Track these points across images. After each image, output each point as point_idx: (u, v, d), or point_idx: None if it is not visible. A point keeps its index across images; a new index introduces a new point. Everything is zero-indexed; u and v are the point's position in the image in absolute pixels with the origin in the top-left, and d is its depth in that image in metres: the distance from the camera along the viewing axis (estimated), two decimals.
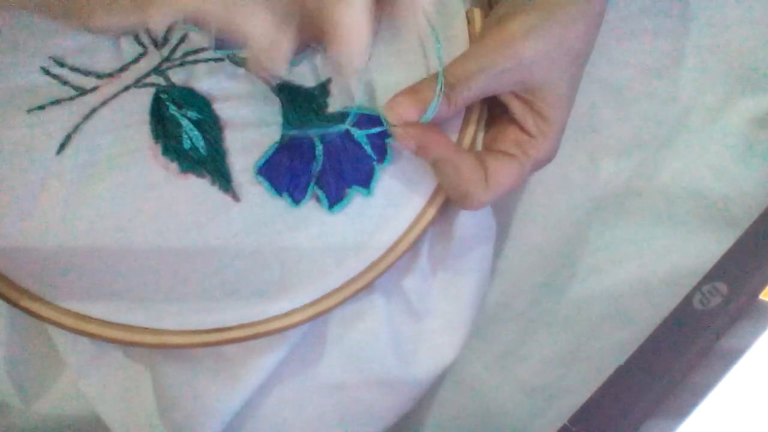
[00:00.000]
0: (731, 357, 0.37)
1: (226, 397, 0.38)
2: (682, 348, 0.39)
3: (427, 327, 0.41)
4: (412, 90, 0.36)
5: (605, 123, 0.44)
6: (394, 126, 0.36)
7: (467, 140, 0.39)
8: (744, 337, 0.37)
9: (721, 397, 0.36)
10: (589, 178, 0.44)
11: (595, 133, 0.44)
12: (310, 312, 0.38)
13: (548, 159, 0.38)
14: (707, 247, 0.42)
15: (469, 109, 0.39)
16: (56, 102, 0.36)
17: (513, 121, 0.38)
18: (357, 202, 0.38)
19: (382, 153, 0.38)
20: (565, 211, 0.44)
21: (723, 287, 0.39)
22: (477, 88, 0.36)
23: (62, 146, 0.36)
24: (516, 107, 0.37)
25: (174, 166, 0.37)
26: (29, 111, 0.36)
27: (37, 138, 0.36)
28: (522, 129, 0.37)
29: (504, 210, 0.44)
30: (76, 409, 0.42)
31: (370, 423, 0.41)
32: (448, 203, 0.40)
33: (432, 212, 0.39)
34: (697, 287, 0.40)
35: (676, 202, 0.44)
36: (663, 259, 0.43)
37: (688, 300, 0.40)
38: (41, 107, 0.36)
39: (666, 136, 0.44)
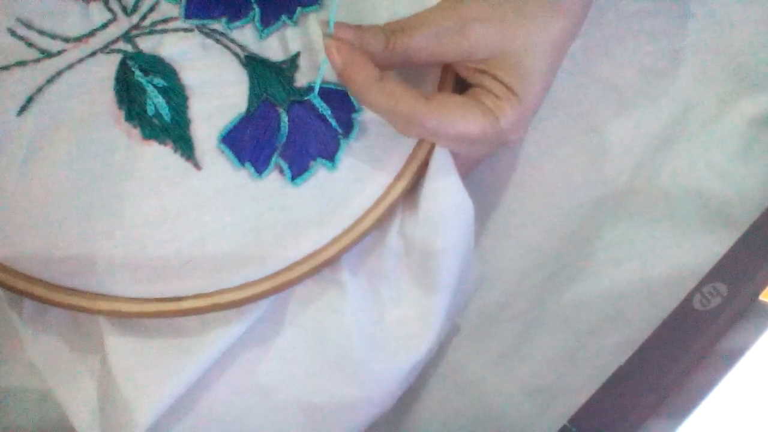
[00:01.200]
0: (731, 357, 0.37)
1: (179, 370, 0.37)
2: (682, 348, 0.38)
3: (398, 314, 0.40)
4: (357, 29, 0.36)
5: (605, 123, 0.44)
6: (327, 36, 0.35)
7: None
8: (744, 338, 0.37)
9: (721, 397, 0.36)
10: (589, 178, 0.44)
11: (595, 133, 0.44)
12: (268, 285, 0.37)
13: (512, 131, 0.37)
14: (707, 247, 0.42)
15: (445, 70, 0.39)
16: (21, 63, 0.36)
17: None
18: (321, 175, 0.38)
19: (348, 127, 0.38)
20: (565, 211, 0.44)
21: (723, 287, 0.39)
22: (418, 40, 0.36)
23: (23, 108, 0.36)
24: (474, 77, 0.37)
25: (137, 132, 0.37)
26: None
27: None
28: (487, 90, 0.37)
29: (504, 210, 0.44)
30: (31, 383, 0.42)
31: (340, 418, 0.39)
32: (418, 182, 0.39)
33: (399, 189, 0.38)
34: (697, 287, 0.40)
35: (676, 202, 0.44)
36: (663, 259, 0.43)
37: (688, 300, 0.40)
38: (5, 68, 0.36)
39: (666, 136, 0.44)
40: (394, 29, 0.36)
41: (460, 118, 0.36)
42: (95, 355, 0.39)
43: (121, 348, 0.37)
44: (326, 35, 0.35)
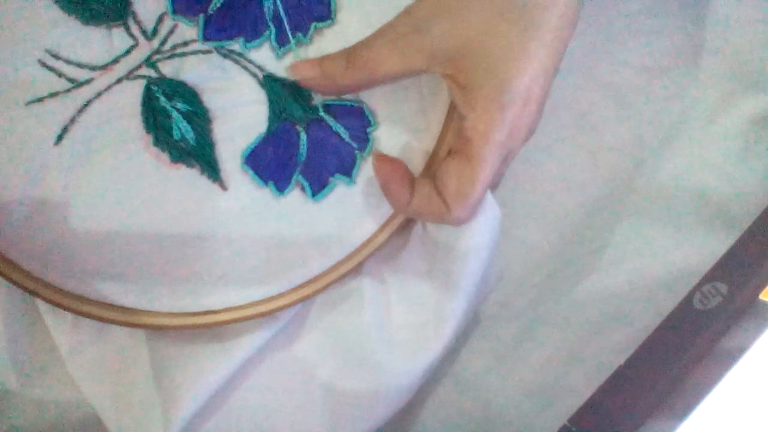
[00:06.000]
0: (731, 357, 0.37)
1: (212, 370, 0.39)
2: (682, 348, 0.39)
3: (416, 317, 0.41)
4: (318, 59, 0.37)
5: (605, 123, 0.44)
6: (378, 155, 0.38)
7: (448, 139, 0.39)
8: (744, 337, 0.37)
9: (721, 397, 0.36)
10: (589, 178, 0.44)
11: (595, 133, 0.44)
12: (294, 297, 0.40)
13: (505, 134, 0.34)
14: (707, 247, 0.42)
15: (449, 118, 0.39)
16: (53, 94, 0.37)
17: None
18: (340, 191, 0.40)
19: (363, 142, 0.39)
20: (565, 211, 0.44)
21: (723, 287, 0.39)
22: (378, 51, 0.35)
23: (60, 137, 0.37)
24: (449, 88, 0.36)
25: (165, 156, 0.38)
26: (28, 104, 0.37)
27: (36, 130, 0.37)
28: (459, 114, 0.36)
29: (504, 210, 0.44)
30: (71, 394, 0.42)
31: (361, 415, 0.41)
32: None
33: None
34: (697, 287, 0.40)
35: (676, 202, 0.44)
36: (663, 259, 0.43)
37: (688, 300, 0.40)
38: (39, 99, 0.37)
39: (666, 136, 0.44)
40: (354, 46, 0.36)
41: (474, 187, 0.36)
42: (133, 365, 0.41)
43: (159, 351, 0.40)
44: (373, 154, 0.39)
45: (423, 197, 0.37)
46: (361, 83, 0.37)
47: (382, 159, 0.38)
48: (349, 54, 0.36)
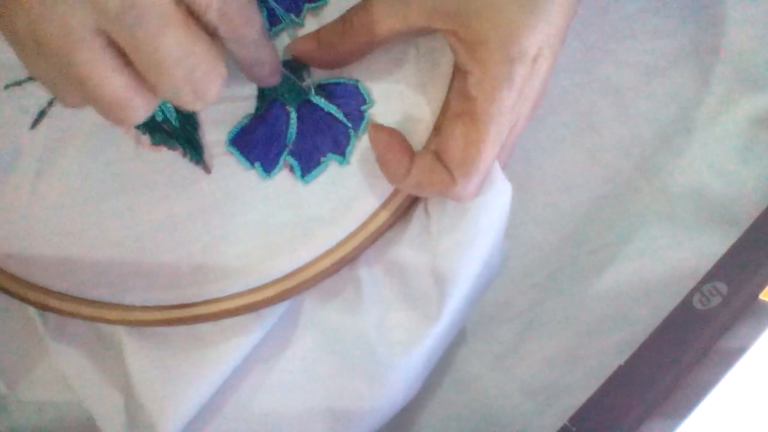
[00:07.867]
0: (731, 357, 0.37)
1: (200, 381, 0.37)
2: (682, 348, 0.38)
3: (415, 309, 0.38)
4: (315, 31, 0.36)
5: (605, 123, 0.44)
6: (373, 127, 0.36)
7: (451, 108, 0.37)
8: (744, 337, 0.37)
9: (721, 397, 0.36)
10: (589, 178, 0.44)
11: (595, 133, 0.44)
12: (280, 288, 0.37)
13: (514, 93, 0.32)
14: (707, 247, 0.42)
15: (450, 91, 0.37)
16: (33, 78, 0.36)
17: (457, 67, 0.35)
18: (333, 172, 0.38)
19: (358, 120, 0.38)
20: (565, 211, 0.44)
21: (723, 287, 0.39)
22: (377, 10, 0.34)
23: (36, 121, 0.36)
24: (452, 47, 0.34)
25: (146, 138, 0.37)
26: (6, 87, 0.36)
27: (13, 113, 0.36)
28: (462, 71, 0.34)
29: None
30: (59, 393, 0.42)
31: (365, 416, 0.39)
32: None
33: None
34: (697, 287, 0.40)
35: (676, 202, 0.44)
36: (663, 259, 0.43)
37: (688, 300, 0.40)
38: (18, 83, 0.36)
39: (666, 136, 0.44)
40: (350, 9, 0.35)
41: (480, 154, 0.33)
42: (119, 366, 0.40)
43: (142, 360, 0.38)
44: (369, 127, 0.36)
45: (424, 167, 0.34)
46: (361, 47, 0.35)
47: (379, 128, 0.36)
48: (346, 18, 0.35)
